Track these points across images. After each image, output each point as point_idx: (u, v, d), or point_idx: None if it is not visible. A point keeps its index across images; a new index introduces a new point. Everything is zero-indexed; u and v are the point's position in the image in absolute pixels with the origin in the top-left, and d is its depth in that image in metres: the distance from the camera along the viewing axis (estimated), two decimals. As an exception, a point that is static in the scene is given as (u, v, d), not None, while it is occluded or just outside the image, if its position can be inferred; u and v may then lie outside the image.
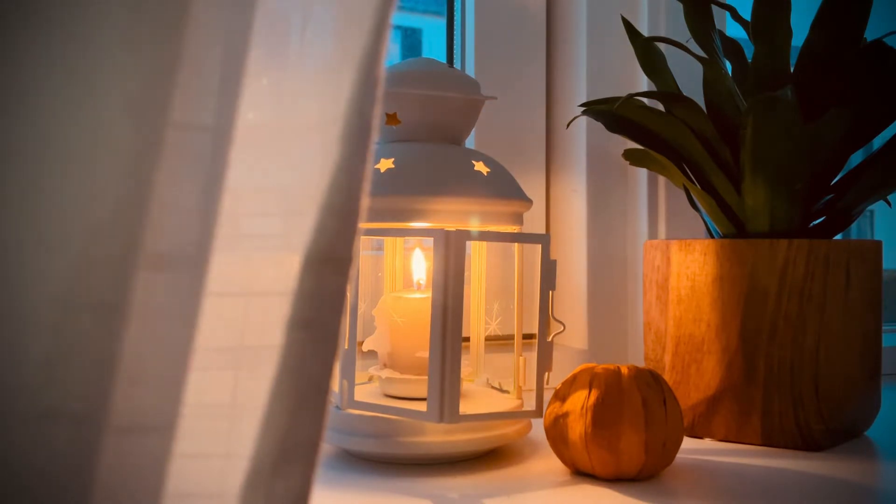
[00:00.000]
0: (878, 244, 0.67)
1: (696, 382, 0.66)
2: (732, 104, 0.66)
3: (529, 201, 0.60)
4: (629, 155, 0.73)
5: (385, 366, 0.62)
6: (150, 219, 0.21)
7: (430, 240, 0.54)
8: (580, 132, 0.85)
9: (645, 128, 0.70)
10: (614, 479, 0.53)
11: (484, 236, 0.57)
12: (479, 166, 0.58)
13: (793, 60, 0.66)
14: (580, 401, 0.53)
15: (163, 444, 0.23)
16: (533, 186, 0.87)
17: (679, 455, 0.58)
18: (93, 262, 0.20)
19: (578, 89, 0.86)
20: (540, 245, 0.57)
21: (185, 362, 0.23)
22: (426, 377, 0.54)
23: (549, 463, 0.57)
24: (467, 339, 0.63)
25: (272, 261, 0.26)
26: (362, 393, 0.61)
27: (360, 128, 0.26)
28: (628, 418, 0.51)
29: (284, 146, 0.26)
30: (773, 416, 0.62)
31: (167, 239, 0.22)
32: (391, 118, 0.59)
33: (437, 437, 0.55)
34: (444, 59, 0.89)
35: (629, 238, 0.86)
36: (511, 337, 0.62)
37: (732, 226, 0.68)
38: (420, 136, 0.59)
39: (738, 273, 0.64)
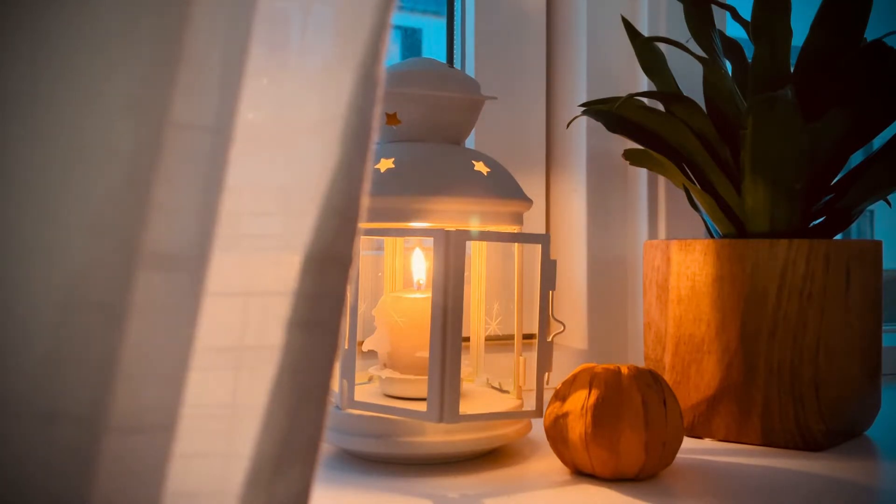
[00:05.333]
0: (878, 244, 0.67)
1: (696, 382, 0.66)
2: (732, 104, 0.66)
3: (529, 201, 0.60)
4: (629, 155, 0.73)
5: (385, 366, 0.62)
6: (149, 219, 0.21)
7: (430, 240, 0.54)
8: (580, 132, 0.85)
9: (645, 128, 0.70)
10: (614, 479, 0.53)
11: (484, 236, 0.57)
12: (479, 166, 0.58)
13: (793, 60, 0.66)
14: (580, 401, 0.53)
15: (163, 443, 0.23)
16: (533, 186, 0.87)
17: (679, 455, 0.58)
18: (93, 263, 0.20)
19: (578, 89, 0.86)
20: (540, 245, 0.57)
21: (186, 362, 0.23)
22: (426, 377, 0.54)
23: (549, 463, 0.57)
24: (467, 339, 0.63)
25: (272, 261, 0.26)
26: (362, 393, 0.61)
27: (360, 128, 0.26)
28: (628, 418, 0.51)
29: (284, 146, 0.26)
30: (773, 416, 0.62)
31: (167, 239, 0.22)
32: (391, 118, 0.59)
33: (437, 437, 0.55)
34: (444, 59, 0.89)
35: (629, 238, 0.86)
36: (511, 337, 0.62)
37: (732, 226, 0.68)
38: (420, 136, 0.59)
39: (738, 273, 0.64)
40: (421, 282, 0.64)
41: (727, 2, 0.73)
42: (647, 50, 0.72)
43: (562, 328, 0.59)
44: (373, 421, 0.56)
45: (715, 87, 0.68)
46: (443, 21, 0.89)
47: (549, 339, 0.57)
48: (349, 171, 0.26)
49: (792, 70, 0.67)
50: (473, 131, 0.77)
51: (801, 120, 0.61)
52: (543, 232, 0.88)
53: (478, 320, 0.65)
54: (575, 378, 0.55)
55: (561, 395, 0.55)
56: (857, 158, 0.70)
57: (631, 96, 0.67)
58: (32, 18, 0.20)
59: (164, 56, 0.21)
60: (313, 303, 0.25)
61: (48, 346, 0.20)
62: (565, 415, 0.53)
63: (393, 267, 0.67)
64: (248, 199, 0.26)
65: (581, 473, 0.55)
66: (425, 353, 0.56)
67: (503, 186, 0.58)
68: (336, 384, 0.56)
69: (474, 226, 0.57)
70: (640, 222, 0.85)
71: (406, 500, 0.50)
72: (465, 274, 0.54)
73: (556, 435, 0.54)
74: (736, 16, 0.70)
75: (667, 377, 0.67)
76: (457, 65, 0.88)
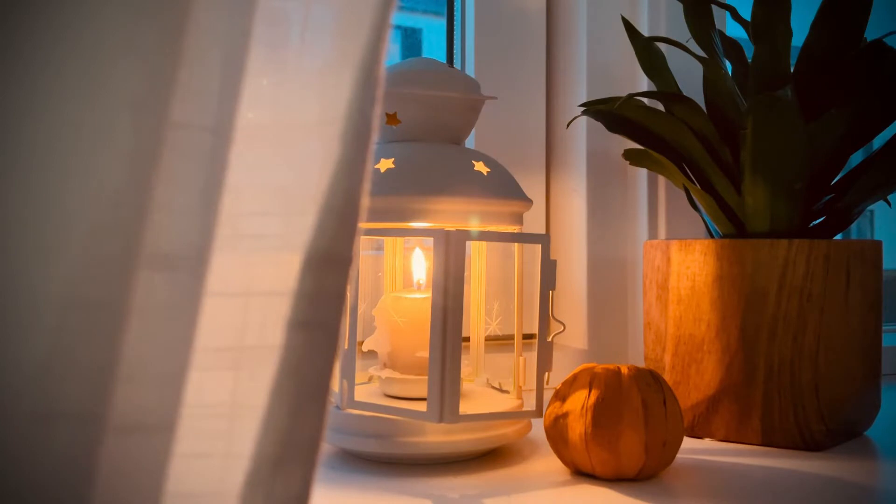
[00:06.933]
0: (878, 244, 0.67)
1: (696, 382, 0.66)
2: (732, 104, 0.66)
3: (529, 201, 0.60)
4: (629, 155, 0.73)
5: (385, 366, 0.61)
6: (149, 219, 0.21)
7: (430, 240, 0.54)
8: (580, 132, 0.85)
9: (645, 128, 0.70)
10: (614, 479, 0.53)
11: (484, 236, 0.57)
12: (479, 166, 0.58)
13: (793, 60, 0.66)
14: (580, 401, 0.53)
15: (163, 443, 0.23)
16: (533, 186, 0.87)
17: (679, 455, 0.58)
18: (93, 263, 0.20)
19: (578, 89, 0.86)
20: (540, 245, 0.57)
21: (185, 362, 0.23)
22: (426, 377, 0.54)
23: (549, 463, 0.57)
24: (467, 339, 0.63)
25: (272, 261, 0.26)
26: (362, 393, 0.61)
27: (360, 128, 0.26)
28: (628, 418, 0.51)
29: (284, 146, 0.26)
30: (773, 416, 0.62)
31: (167, 239, 0.22)
32: (391, 118, 0.59)
33: (437, 437, 0.55)
34: (444, 59, 0.89)
35: (629, 238, 0.86)
36: (511, 337, 0.62)
37: (732, 226, 0.68)
38: (420, 136, 0.59)
39: (738, 273, 0.64)
40: (421, 282, 0.64)
41: (727, 2, 0.73)
42: (647, 50, 0.72)
43: (562, 328, 0.59)
44: (373, 421, 0.56)
45: (715, 87, 0.68)
46: (443, 21, 0.89)
47: (549, 339, 0.57)
48: (349, 171, 0.26)
49: (792, 70, 0.67)
50: (473, 131, 0.77)
51: (801, 120, 0.61)
52: (543, 232, 0.88)
53: (478, 320, 0.65)
54: (575, 378, 0.55)
55: (561, 395, 0.55)
56: (857, 158, 0.70)
57: (631, 96, 0.67)
58: (32, 17, 0.20)
59: (164, 56, 0.21)
60: (313, 303, 0.25)
61: (48, 346, 0.20)
62: (565, 415, 0.53)
63: (393, 267, 0.67)
64: (248, 199, 0.26)
65: (581, 473, 0.55)
66: (425, 353, 0.56)
67: (503, 186, 0.58)
68: (336, 384, 0.56)
69: (474, 226, 0.57)
70: (640, 222, 0.85)
71: (406, 500, 0.50)
72: (465, 274, 0.54)
73: (556, 435, 0.54)
74: (736, 16, 0.70)
75: (667, 377, 0.67)
76: (457, 65, 0.88)
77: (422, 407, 0.54)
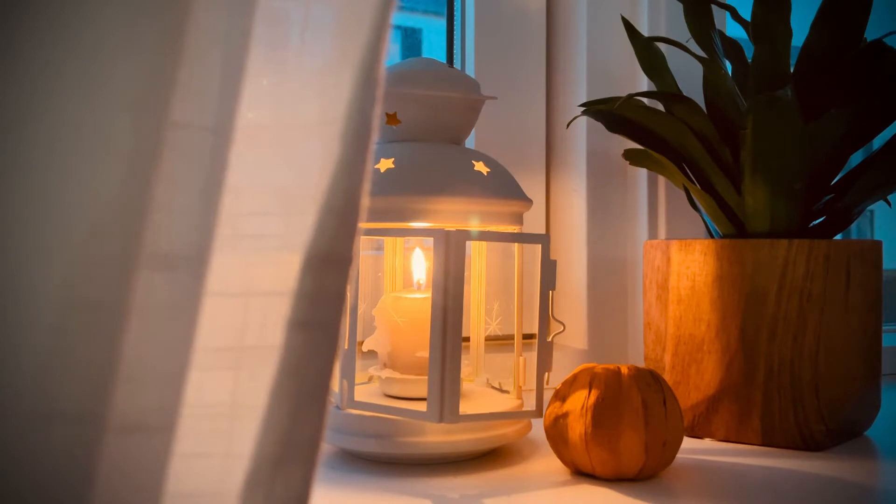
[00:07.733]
0: (878, 244, 0.67)
1: (696, 382, 0.66)
2: (732, 104, 0.66)
3: (529, 201, 0.60)
4: (629, 155, 0.73)
5: (385, 366, 0.61)
6: (149, 219, 0.21)
7: (430, 240, 0.54)
8: (580, 132, 0.85)
9: (645, 128, 0.70)
10: (614, 479, 0.53)
11: (484, 236, 0.57)
12: (479, 166, 0.58)
13: (793, 60, 0.66)
14: (580, 401, 0.53)
15: (163, 443, 0.23)
16: (533, 186, 0.87)
17: (679, 455, 0.58)
18: (93, 263, 0.20)
19: (578, 89, 0.86)
20: (540, 245, 0.57)
21: (185, 362, 0.23)
22: (426, 377, 0.54)
23: (549, 463, 0.57)
24: (467, 339, 0.63)
25: (272, 261, 0.26)
26: (362, 393, 0.61)
27: (360, 128, 0.26)
28: (628, 418, 0.51)
29: (284, 146, 0.26)
30: (773, 416, 0.62)
31: (167, 239, 0.22)
32: (391, 118, 0.59)
33: (437, 437, 0.55)
34: (444, 59, 0.89)
35: (629, 238, 0.86)
36: (511, 337, 0.62)
37: (732, 226, 0.68)
38: (420, 136, 0.59)
39: (738, 273, 0.64)
40: (421, 282, 0.64)
41: (727, 2, 0.73)
42: (647, 50, 0.72)
43: (562, 328, 0.59)
44: (373, 421, 0.56)
45: (715, 87, 0.68)
46: (443, 21, 0.89)
47: (549, 339, 0.57)
48: (349, 171, 0.26)
49: (792, 70, 0.67)
50: (473, 131, 0.77)
51: (801, 120, 0.61)
52: (543, 232, 0.88)
53: (478, 320, 0.65)
54: (575, 378, 0.55)
55: (561, 395, 0.55)
56: (857, 158, 0.70)
57: (631, 96, 0.67)
58: (32, 17, 0.20)
59: (164, 56, 0.21)
60: (313, 303, 0.25)
61: (48, 347, 0.20)
62: (565, 415, 0.53)
63: (393, 267, 0.67)
64: (248, 199, 0.26)
65: (581, 473, 0.55)
66: (425, 353, 0.56)
67: (503, 186, 0.58)
68: (336, 384, 0.56)
69: (474, 226, 0.57)
70: (640, 222, 0.85)
71: (406, 500, 0.50)
72: (465, 274, 0.54)
73: (556, 435, 0.54)
74: (736, 16, 0.70)
75: (667, 377, 0.67)
76: (457, 65, 0.88)
77: (422, 407, 0.54)
